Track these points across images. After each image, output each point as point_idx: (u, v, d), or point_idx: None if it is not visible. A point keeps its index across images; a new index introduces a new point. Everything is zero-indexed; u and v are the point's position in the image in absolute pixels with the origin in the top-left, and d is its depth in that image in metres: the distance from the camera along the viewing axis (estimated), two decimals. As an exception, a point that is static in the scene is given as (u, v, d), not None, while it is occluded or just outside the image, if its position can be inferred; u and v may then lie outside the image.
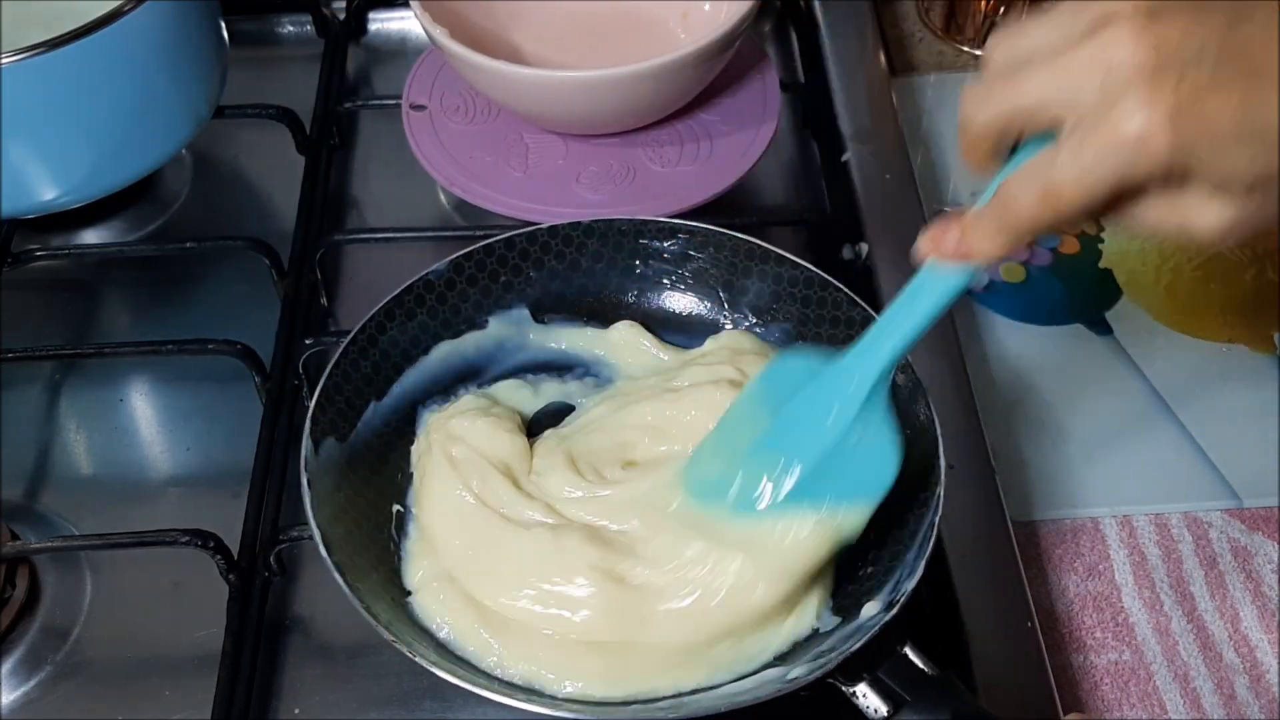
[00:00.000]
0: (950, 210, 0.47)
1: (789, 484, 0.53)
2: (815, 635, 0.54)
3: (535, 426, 0.63)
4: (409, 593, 0.56)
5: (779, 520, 0.53)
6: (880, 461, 0.53)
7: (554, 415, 0.63)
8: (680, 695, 0.52)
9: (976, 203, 0.46)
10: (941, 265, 0.48)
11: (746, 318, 0.65)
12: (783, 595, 0.53)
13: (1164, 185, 0.42)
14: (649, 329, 0.65)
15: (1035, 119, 0.43)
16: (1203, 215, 0.42)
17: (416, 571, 0.57)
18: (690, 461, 0.56)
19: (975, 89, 0.45)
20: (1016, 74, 0.43)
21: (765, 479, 0.53)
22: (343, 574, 0.51)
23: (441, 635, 0.54)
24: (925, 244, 0.48)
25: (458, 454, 0.58)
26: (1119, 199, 0.43)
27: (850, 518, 0.53)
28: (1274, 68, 0.39)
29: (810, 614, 0.54)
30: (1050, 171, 0.42)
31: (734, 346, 0.63)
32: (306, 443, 0.55)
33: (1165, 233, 0.44)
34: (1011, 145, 0.45)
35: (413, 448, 0.61)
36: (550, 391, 0.64)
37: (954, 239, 0.47)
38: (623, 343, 0.66)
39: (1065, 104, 0.42)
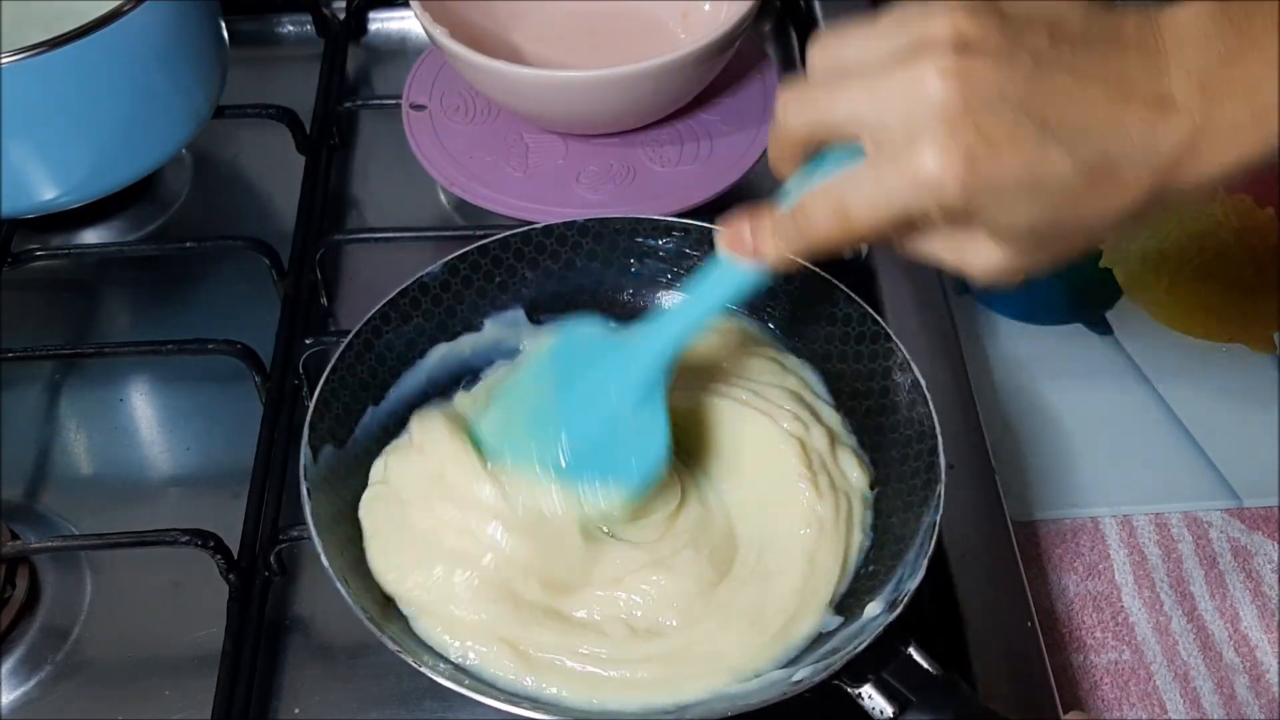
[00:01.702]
0: (754, 205, 0.49)
1: (560, 458, 0.54)
2: (819, 636, 0.53)
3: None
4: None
5: (536, 492, 0.53)
6: (647, 450, 0.53)
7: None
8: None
9: (779, 203, 0.47)
10: (736, 259, 0.49)
11: (743, 316, 0.65)
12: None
13: (949, 222, 0.43)
14: None
15: (843, 133, 0.44)
16: (979, 256, 0.44)
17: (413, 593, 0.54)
18: (478, 425, 0.57)
19: (792, 92, 0.45)
20: (832, 85, 0.43)
21: (540, 450, 0.54)
22: (345, 582, 0.51)
23: (450, 656, 0.53)
24: (724, 238, 0.49)
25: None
26: (907, 227, 0.44)
27: (605, 501, 0.53)
28: (1064, 124, 0.40)
29: (814, 620, 0.54)
30: (845, 194, 0.43)
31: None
32: (305, 451, 0.55)
33: (942, 266, 0.46)
34: (817, 151, 0.46)
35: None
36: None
37: (751, 239, 0.48)
38: None
39: (871, 126, 0.42)
